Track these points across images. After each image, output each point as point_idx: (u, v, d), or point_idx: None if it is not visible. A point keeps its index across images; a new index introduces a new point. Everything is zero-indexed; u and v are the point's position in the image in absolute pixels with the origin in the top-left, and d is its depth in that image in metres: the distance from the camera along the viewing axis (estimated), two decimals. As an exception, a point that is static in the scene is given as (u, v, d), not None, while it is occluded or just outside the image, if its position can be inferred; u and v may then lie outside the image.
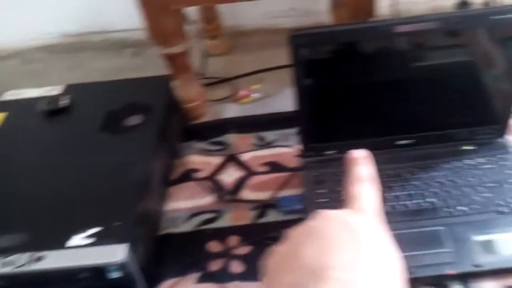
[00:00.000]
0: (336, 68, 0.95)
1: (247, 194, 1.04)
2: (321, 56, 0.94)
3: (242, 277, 0.88)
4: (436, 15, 0.87)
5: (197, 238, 0.96)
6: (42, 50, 1.66)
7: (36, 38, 1.66)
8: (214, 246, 0.94)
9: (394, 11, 1.39)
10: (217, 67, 1.47)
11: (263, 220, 0.98)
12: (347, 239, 0.45)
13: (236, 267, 0.90)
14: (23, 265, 0.77)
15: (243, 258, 0.91)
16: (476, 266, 0.82)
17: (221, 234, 0.96)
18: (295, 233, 0.49)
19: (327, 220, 0.48)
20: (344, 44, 0.92)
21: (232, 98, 1.32)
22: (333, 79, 0.96)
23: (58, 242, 0.80)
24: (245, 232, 0.96)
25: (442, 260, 0.84)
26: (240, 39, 1.60)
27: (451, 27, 0.88)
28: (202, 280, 0.89)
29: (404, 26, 0.87)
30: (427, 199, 0.92)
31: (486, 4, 1.22)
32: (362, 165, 0.54)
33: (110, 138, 1.02)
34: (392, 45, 0.93)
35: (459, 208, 0.90)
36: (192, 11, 1.46)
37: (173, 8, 1.03)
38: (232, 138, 1.18)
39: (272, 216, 0.99)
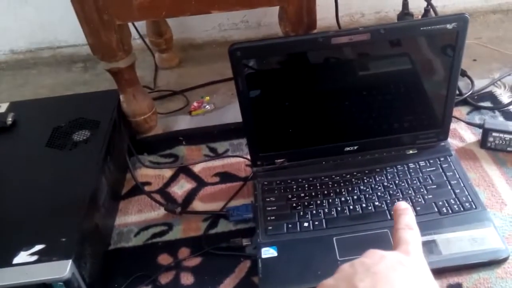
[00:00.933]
0: (279, 79, 0.98)
1: (198, 205, 1.04)
2: (263, 68, 0.96)
3: (191, 288, 0.89)
4: (367, 28, 0.90)
5: (148, 251, 0.96)
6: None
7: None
8: (164, 258, 0.94)
9: (339, 24, 1.41)
10: (168, 80, 1.48)
11: (214, 231, 0.99)
12: (398, 276, 0.49)
13: (186, 279, 0.90)
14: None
15: (193, 269, 0.92)
16: (419, 266, 0.83)
17: (172, 246, 0.96)
18: (347, 268, 0.52)
19: (380, 258, 0.52)
20: (284, 56, 0.95)
21: (184, 110, 1.33)
22: (276, 89, 0.98)
23: (3, 260, 0.79)
24: (196, 244, 0.96)
25: (388, 261, 0.85)
26: (192, 51, 1.61)
27: (382, 39, 0.91)
28: (152, 293, 0.89)
29: (339, 39, 0.90)
30: (372, 203, 0.94)
31: (426, 14, 1.25)
32: (408, 215, 0.61)
33: (57, 154, 1.01)
34: (332, 56, 0.95)
35: (402, 210, 0.92)
36: (141, 25, 1.46)
37: (117, 24, 1.03)
38: (183, 150, 1.19)
39: (223, 226, 0.99)
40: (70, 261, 0.78)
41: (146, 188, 1.09)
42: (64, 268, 0.77)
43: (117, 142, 1.09)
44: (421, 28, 0.90)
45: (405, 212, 0.61)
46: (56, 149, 1.02)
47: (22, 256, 0.79)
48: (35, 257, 0.79)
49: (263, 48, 0.92)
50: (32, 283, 0.77)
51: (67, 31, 1.58)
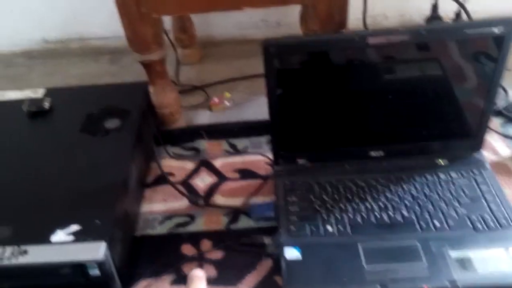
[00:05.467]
0: (309, 78, 0.96)
1: (219, 199, 1.07)
2: (294, 65, 0.94)
3: (214, 281, 0.90)
4: (407, 28, 0.88)
5: (172, 240, 0.98)
6: (22, 55, 1.67)
7: (17, 44, 1.68)
8: (187, 249, 0.97)
9: (365, 24, 1.41)
10: (190, 75, 1.50)
11: (235, 226, 1.01)
12: None
13: (210, 271, 0.92)
14: (7, 258, 0.80)
15: (215, 263, 0.94)
16: (451, 282, 0.81)
17: (195, 238, 0.99)
18: None
19: None
20: (317, 54, 0.93)
21: (205, 105, 1.35)
22: (305, 88, 0.97)
23: (41, 238, 0.82)
24: (218, 237, 0.98)
25: (417, 274, 0.83)
26: (213, 48, 1.63)
27: (422, 40, 0.89)
28: (176, 282, 0.91)
29: (376, 38, 0.88)
30: (400, 212, 0.92)
31: (457, 17, 1.22)
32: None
33: (90, 140, 1.04)
34: (366, 57, 0.93)
35: (433, 222, 0.90)
36: (166, 21, 1.48)
37: (154, 17, 1.06)
38: (204, 144, 1.21)
39: (244, 222, 1.01)
40: (104, 243, 0.81)
41: (170, 178, 1.11)
42: (99, 250, 0.80)
43: (145, 132, 1.12)
44: (465, 31, 0.87)
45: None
46: (89, 135, 1.05)
47: (59, 235, 0.82)
48: (71, 237, 0.82)
49: (297, 46, 0.92)
50: (69, 263, 0.80)
51: (96, 23, 1.61)
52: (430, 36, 0.88)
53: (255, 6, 1.07)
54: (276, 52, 0.90)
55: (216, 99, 1.35)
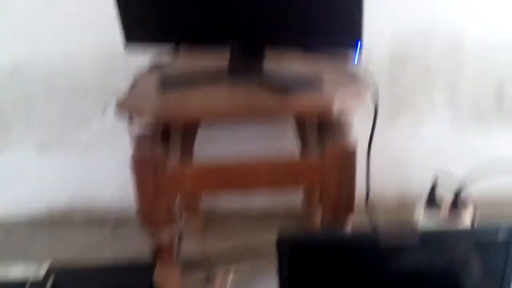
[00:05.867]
0: (321, 270, 0.95)
1: None
2: (307, 258, 0.94)
3: None
4: (417, 232, 0.93)
5: None
6: (26, 223, 1.67)
7: (20, 212, 1.68)
8: None
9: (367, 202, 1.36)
10: (192, 246, 1.47)
11: None
12: None
13: None
14: None
15: None
16: None
17: None
18: None
19: None
20: (329, 249, 0.94)
21: (208, 284, 1.32)
22: (317, 280, 0.96)
23: None
24: None
25: None
26: (216, 218, 1.63)
27: (437, 242, 0.92)
28: None
29: (387, 240, 0.90)
30: None
31: (456, 198, 1.16)
32: None
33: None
34: (377, 252, 0.93)
35: None
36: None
37: (170, 195, 1.07)
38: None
39: None
40: None
41: None
42: None
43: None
44: (471, 237, 0.92)
45: None
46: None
47: None
48: None
49: (310, 242, 0.93)
50: None
51: (101, 194, 1.64)
52: (439, 241, 0.92)
53: (265, 187, 1.09)
54: (289, 248, 0.91)
55: (218, 280, 1.32)
